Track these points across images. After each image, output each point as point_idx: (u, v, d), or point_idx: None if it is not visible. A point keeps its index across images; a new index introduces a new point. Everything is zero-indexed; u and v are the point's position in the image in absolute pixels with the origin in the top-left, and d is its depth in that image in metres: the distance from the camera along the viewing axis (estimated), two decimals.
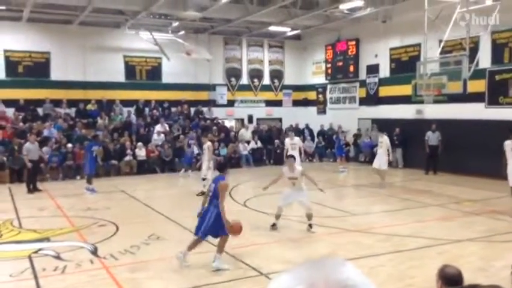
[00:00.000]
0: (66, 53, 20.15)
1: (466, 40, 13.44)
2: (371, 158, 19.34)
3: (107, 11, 18.96)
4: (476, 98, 15.69)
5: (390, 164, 15.38)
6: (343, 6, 18.08)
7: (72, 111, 20.10)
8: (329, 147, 21.89)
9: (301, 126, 23.37)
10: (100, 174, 16.67)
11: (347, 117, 22.12)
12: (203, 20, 20.22)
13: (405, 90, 18.60)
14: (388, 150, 14.68)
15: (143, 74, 21.98)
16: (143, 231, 9.15)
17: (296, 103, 25.46)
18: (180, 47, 21.03)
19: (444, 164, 16.77)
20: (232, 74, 24.09)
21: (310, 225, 9.15)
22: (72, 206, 11.95)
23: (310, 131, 23.34)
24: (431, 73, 14.11)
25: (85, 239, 8.77)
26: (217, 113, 22.98)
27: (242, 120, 24.01)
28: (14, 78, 19.48)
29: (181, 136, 19.99)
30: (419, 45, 17.51)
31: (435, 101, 15.36)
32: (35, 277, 6.71)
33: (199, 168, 14.75)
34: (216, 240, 7.13)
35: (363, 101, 21.65)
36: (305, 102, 25.34)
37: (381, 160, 14.56)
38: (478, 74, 14.73)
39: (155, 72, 22.13)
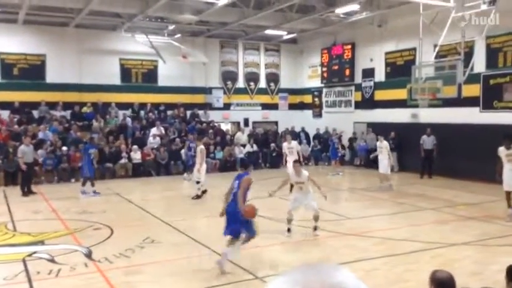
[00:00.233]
0: (62, 56, 20.10)
1: (461, 44, 13.49)
2: (366, 162, 19.44)
3: (103, 13, 18.92)
4: (470, 102, 15.76)
5: (392, 169, 15.50)
6: (339, 11, 18.18)
7: (67, 113, 20.02)
8: (324, 150, 21.91)
9: (297, 129, 23.41)
10: (95, 177, 16.57)
11: (342, 120, 22.18)
12: (199, 23, 20.26)
13: (401, 94, 18.65)
14: (389, 154, 14.77)
15: (139, 76, 21.96)
16: (138, 235, 9.13)
17: (292, 106, 25.53)
18: (176, 50, 21.04)
19: (439, 168, 16.83)
20: (228, 77, 24.12)
21: (315, 228, 9.18)
22: (67, 209, 11.91)
23: (306, 135, 23.38)
24: (426, 77, 14.14)
25: (79, 242, 8.74)
26: (213, 116, 22.97)
27: (238, 123, 24.01)
28: (10, 80, 19.40)
29: (177, 139, 19.97)
30: (414, 49, 17.59)
31: (431, 105, 15.41)
32: (29, 280, 6.68)
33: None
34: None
35: (359, 105, 21.72)
36: (301, 106, 25.41)
37: (384, 165, 14.67)
38: (472, 79, 14.79)
39: (151, 75, 22.12)
